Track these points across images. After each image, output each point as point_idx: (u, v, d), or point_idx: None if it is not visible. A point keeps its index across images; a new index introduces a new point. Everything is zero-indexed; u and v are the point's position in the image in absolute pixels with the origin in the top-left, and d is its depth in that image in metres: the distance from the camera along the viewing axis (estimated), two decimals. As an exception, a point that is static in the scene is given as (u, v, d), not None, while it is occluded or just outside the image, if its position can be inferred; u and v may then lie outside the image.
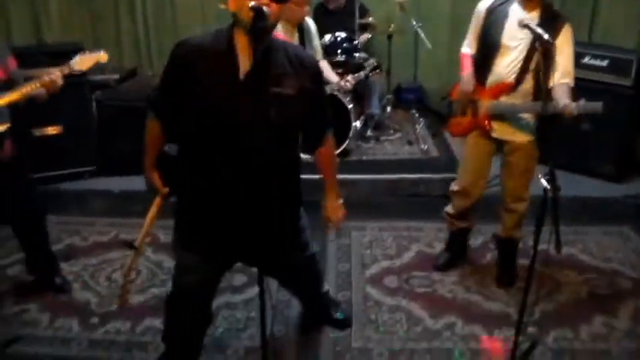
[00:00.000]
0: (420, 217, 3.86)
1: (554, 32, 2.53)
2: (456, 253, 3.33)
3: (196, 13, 5.45)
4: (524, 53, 2.69)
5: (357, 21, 4.85)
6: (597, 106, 2.48)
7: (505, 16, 2.73)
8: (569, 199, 3.70)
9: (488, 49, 2.80)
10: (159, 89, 2.05)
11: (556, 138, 2.79)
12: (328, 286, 2.89)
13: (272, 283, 2.79)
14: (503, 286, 3.11)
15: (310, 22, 4.10)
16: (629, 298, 3.01)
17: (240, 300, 3.03)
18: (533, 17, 2.63)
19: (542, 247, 2.20)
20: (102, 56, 2.85)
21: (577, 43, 3.75)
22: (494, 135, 2.88)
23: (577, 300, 3.01)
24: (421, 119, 5.15)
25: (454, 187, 3.13)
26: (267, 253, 1.95)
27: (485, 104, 2.83)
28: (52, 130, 4.17)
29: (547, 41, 2.34)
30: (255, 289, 2.53)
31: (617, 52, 4.22)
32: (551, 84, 2.57)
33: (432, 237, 3.62)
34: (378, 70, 4.58)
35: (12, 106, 2.61)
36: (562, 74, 2.62)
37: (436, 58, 5.33)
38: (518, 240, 3.11)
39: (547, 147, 2.86)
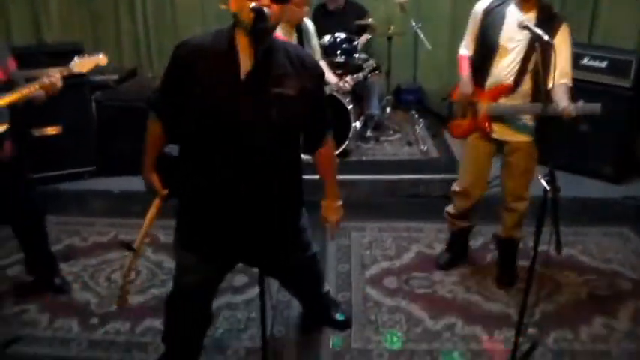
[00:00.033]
0: (420, 218, 3.86)
1: (551, 32, 2.53)
2: (457, 253, 3.34)
3: (196, 13, 5.45)
4: (522, 54, 2.70)
5: (355, 22, 4.87)
6: (596, 107, 2.50)
7: (502, 17, 2.73)
8: (568, 200, 3.70)
9: (487, 50, 2.80)
10: (160, 90, 2.05)
11: (556, 139, 2.80)
12: (329, 286, 2.89)
13: (272, 284, 2.79)
14: (504, 287, 3.11)
15: (308, 23, 4.10)
16: (629, 299, 3.01)
17: (241, 300, 3.03)
18: (530, 18, 2.63)
19: (542, 247, 2.21)
20: (101, 59, 2.86)
21: (576, 45, 3.76)
22: (494, 136, 2.89)
23: (577, 301, 3.02)
24: (421, 120, 5.16)
25: (455, 187, 3.13)
26: (268, 253, 1.95)
27: (485, 106, 2.83)
28: (51, 131, 4.18)
29: (547, 42, 2.36)
30: (256, 290, 2.54)
31: (617, 53, 4.22)
32: (550, 84, 2.58)
33: (432, 238, 3.62)
34: (377, 72, 4.58)
35: (11, 107, 2.61)
36: (560, 74, 2.63)
37: (436, 59, 5.33)
38: (518, 240, 3.11)
39: (547, 148, 2.87)
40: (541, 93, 2.56)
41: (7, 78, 2.65)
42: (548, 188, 2.09)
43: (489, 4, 2.80)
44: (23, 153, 2.84)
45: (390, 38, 4.94)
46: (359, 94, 4.87)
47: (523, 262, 3.10)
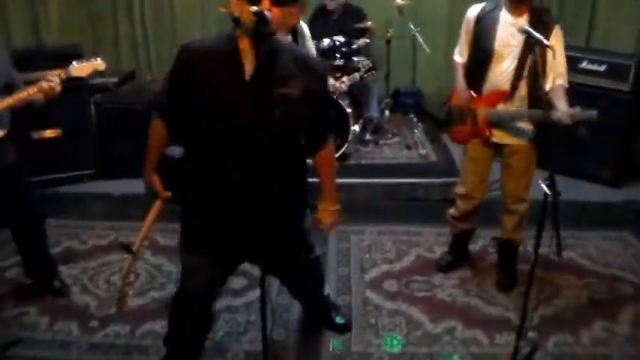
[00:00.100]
0: (419, 222, 3.86)
1: (545, 35, 2.53)
2: (459, 256, 3.34)
3: (195, 16, 5.45)
4: (517, 60, 2.70)
5: (354, 25, 4.88)
6: (592, 114, 2.52)
7: (495, 22, 2.74)
8: (568, 203, 3.71)
9: (482, 56, 2.80)
10: (164, 92, 2.05)
11: (555, 143, 2.81)
12: (329, 289, 2.89)
13: (271, 288, 2.79)
14: (504, 290, 3.10)
15: (303, 25, 4.12)
16: (630, 303, 3.01)
17: (241, 303, 3.02)
18: (522, 22, 2.64)
19: (542, 251, 2.21)
20: (99, 64, 2.86)
21: (575, 48, 3.78)
22: (494, 140, 2.89)
23: (577, 305, 3.01)
24: (419, 124, 5.16)
25: (459, 190, 3.14)
26: (271, 251, 1.96)
27: (483, 113, 2.84)
28: (50, 133, 4.16)
29: (547, 47, 2.37)
30: (256, 293, 2.54)
31: (615, 56, 4.23)
32: (547, 87, 2.59)
33: (432, 241, 3.62)
34: (372, 72, 4.58)
35: (9, 111, 2.61)
36: (557, 76, 2.65)
37: (434, 63, 5.34)
38: (518, 242, 3.11)
39: (546, 152, 2.87)
40: (538, 97, 2.57)
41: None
42: (548, 192, 2.09)
43: (481, 10, 2.82)
44: (22, 156, 2.84)
45: (388, 41, 4.94)
46: (358, 96, 4.88)
47: (523, 266, 3.10)
